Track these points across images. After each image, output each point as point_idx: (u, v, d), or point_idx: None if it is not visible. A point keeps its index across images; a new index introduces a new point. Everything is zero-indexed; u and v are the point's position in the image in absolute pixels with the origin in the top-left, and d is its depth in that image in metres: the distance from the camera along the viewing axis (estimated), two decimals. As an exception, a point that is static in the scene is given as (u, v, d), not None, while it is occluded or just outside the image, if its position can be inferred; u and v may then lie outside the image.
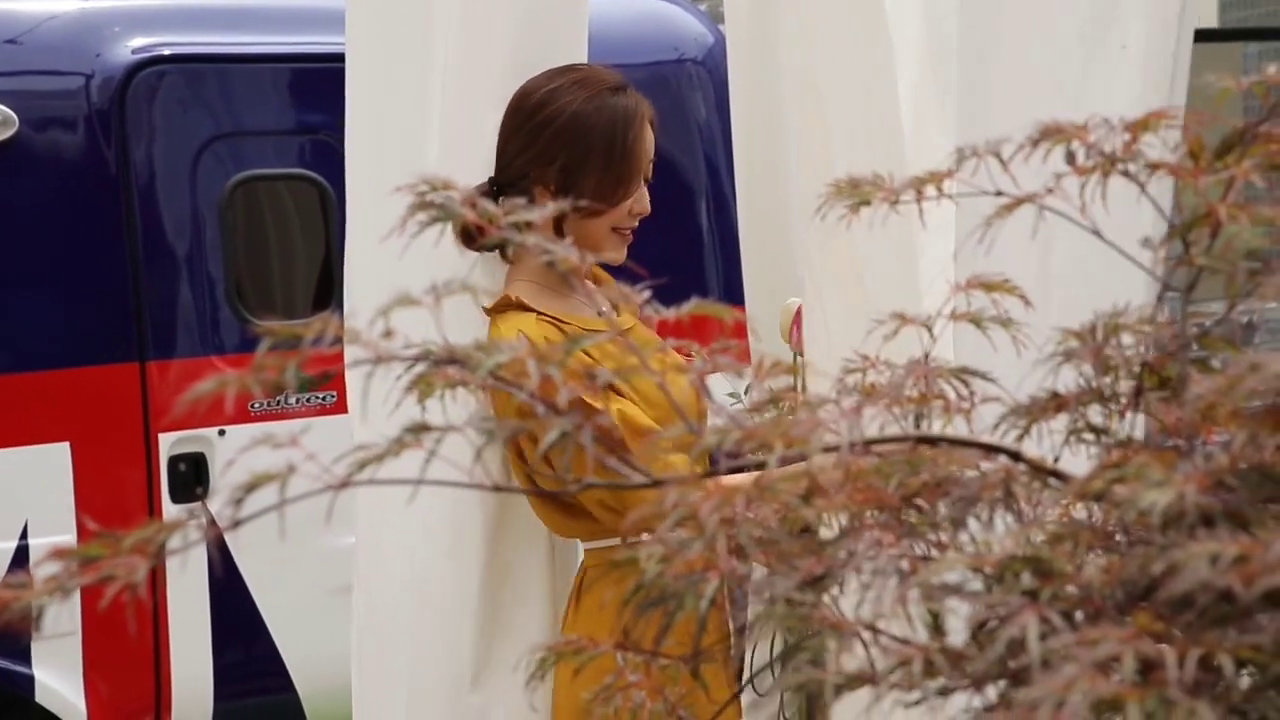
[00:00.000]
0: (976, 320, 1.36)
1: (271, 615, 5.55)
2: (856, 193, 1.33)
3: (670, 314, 1.24)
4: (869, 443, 1.12)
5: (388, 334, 1.10)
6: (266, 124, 5.69)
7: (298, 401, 5.56)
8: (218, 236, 5.48)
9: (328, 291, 5.67)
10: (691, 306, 1.28)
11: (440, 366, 1.10)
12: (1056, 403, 1.26)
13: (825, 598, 1.12)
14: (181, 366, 5.44)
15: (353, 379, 3.42)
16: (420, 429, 1.12)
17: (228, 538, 5.23)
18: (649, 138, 2.94)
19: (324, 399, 5.59)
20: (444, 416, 1.22)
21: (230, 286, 5.50)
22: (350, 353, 1.20)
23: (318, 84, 5.70)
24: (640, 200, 2.92)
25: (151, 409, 5.37)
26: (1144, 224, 1.27)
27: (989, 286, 1.37)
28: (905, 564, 1.11)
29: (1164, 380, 1.27)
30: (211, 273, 5.47)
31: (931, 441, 1.13)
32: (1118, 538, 1.15)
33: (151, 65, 5.40)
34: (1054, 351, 1.26)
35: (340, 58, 5.57)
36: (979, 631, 1.07)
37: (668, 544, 1.28)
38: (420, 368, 1.19)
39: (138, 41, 5.43)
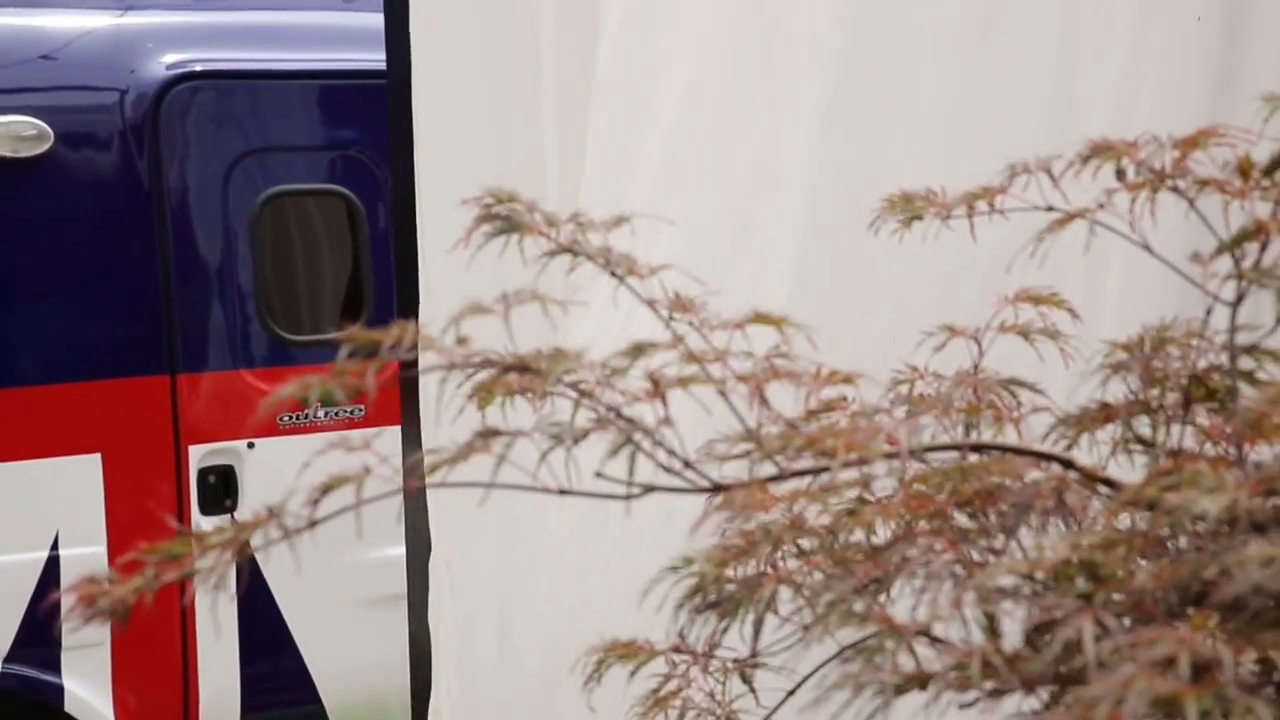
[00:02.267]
0: (1025, 332, 1.39)
1: (298, 627, 5.58)
2: (909, 207, 1.35)
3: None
4: (928, 450, 1.15)
5: (461, 341, 1.13)
6: (297, 140, 5.73)
7: (326, 415, 5.60)
8: (249, 251, 5.52)
9: (358, 306, 5.71)
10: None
11: (508, 373, 1.13)
12: (1105, 413, 1.28)
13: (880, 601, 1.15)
14: (212, 380, 5.48)
15: (426, 385, 3.45)
16: (490, 433, 1.15)
17: (255, 552, 5.21)
18: None
19: (352, 413, 5.63)
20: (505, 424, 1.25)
21: (261, 301, 5.53)
22: (425, 359, 1.23)
23: (348, 100, 5.75)
24: None
25: (182, 421, 5.40)
26: (1191, 240, 1.30)
27: (1037, 300, 1.40)
28: (960, 568, 1.13)
29: (1211, 392, 1.30)
30: (242, 287, 5.51)
31: (987, 449, 1.16)
32: (1167, 544, 1.18)
33: (185, 81, 5.44)
34: (1101, 364, 1.29)
35: (370, 74, 5.66)
36: (1033, 634, 1.10)
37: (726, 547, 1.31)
38: (485, 374, 1.22)
39: (171, 57, 5.47)
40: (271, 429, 5.51)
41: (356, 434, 5.72)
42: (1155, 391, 1.31)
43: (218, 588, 1.02)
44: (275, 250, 5.66)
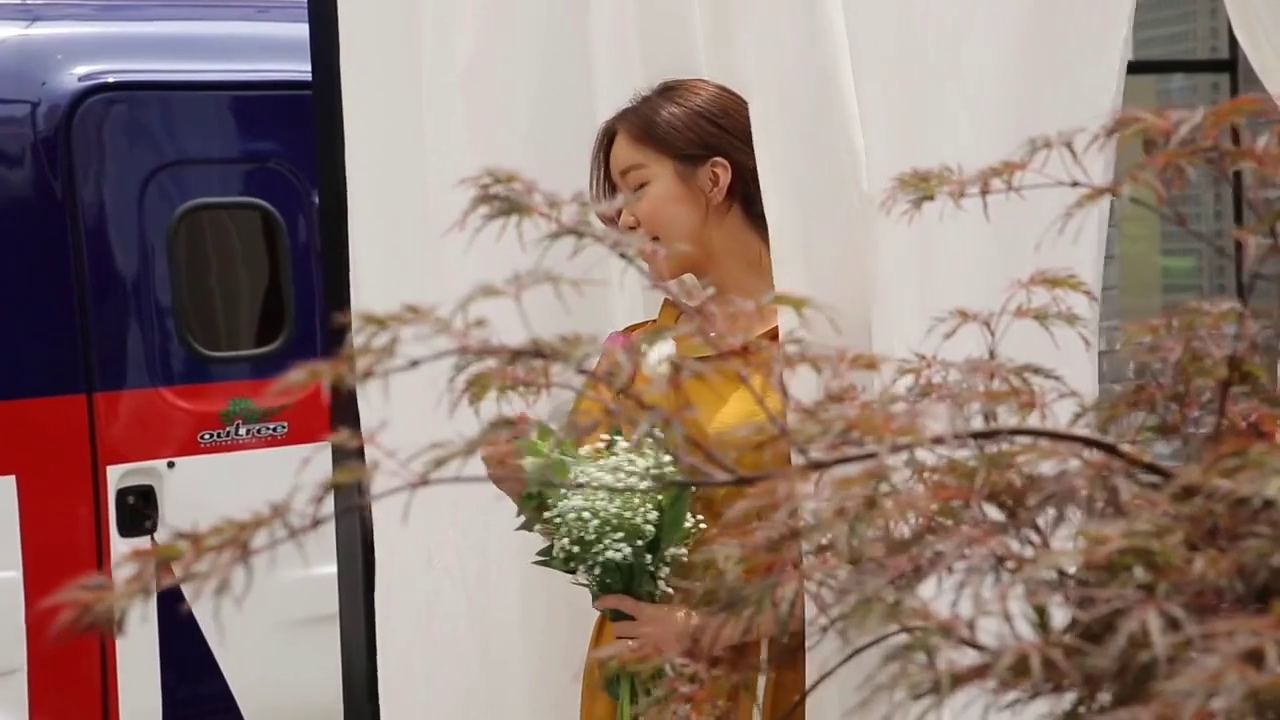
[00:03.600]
0: (1041, 316, 1.33)
1: (221, 650, 5.47)
2: (923, 186, 1.29)
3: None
4: (975, 435, 1.08)
5: (478, 324, 1.05)
6: (215, 152, 5.64)
7: (248, 433, 5.49)
8: (166, 266, 5.41)
9: (279, 321, 5.61)
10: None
11: (519, 360, 1.06)
12: (1138, 398, 1.22)
13: (919, 597, 1.09)
14: (130, 398, 5.36)
15: (434, 372, 3.37)
16: (502, 424, 1.07)
17: (175, 569, 5.13)
18: (615, 153, 2.91)
19: (275, 430, 5.53)
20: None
21: (179, 317, 5.43)
22: (438, 344, 1.15)
23: (266, 112, 5.65)
24: (622, 218, 2.88)
25: (99, 441, 5.29)
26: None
27: (1054, 282, 1.34)
28: (1003, 561, 1.07)
29: (1244, 375, 1.24)
30: (160, 303, 5.40)
31: (1036, 435, 1.09)
32: (1215, 531, 1.12)
33: (98, 93, 5.33)
34: (1133, 345, 1.23)
35: (288, 85, 5.58)
36: (1089, 628, 1.03)
37: (745, 544, 1.24)
38: (483, 364, 1.15)
39: (83, 69, 5.36)
40: (192, 448, 5.41)
41: (280, 452, 5.65)
42: (1185, 374, 1.25)
43: (220, 592, 0.94)
44: (193, 265, 5.56)
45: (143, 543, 5.32)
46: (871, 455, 1.05)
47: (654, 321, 2.98)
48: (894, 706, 0.98)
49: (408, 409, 3.48)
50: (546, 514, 2.62)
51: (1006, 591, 1.05)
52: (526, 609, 3.15)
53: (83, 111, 5.29)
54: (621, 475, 2.53)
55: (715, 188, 2.82)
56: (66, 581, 4.83)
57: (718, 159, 2.82)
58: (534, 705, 3.20)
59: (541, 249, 1.19)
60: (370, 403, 3.44)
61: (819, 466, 1.06)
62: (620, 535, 2.55)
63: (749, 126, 2.79)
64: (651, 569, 2.63)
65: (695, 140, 2.84)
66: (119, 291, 5.34)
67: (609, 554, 2.56)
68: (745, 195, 2.80)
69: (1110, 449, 1.11)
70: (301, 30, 5.71)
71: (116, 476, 5.30)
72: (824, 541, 1.23)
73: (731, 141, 2.81)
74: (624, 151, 2.88)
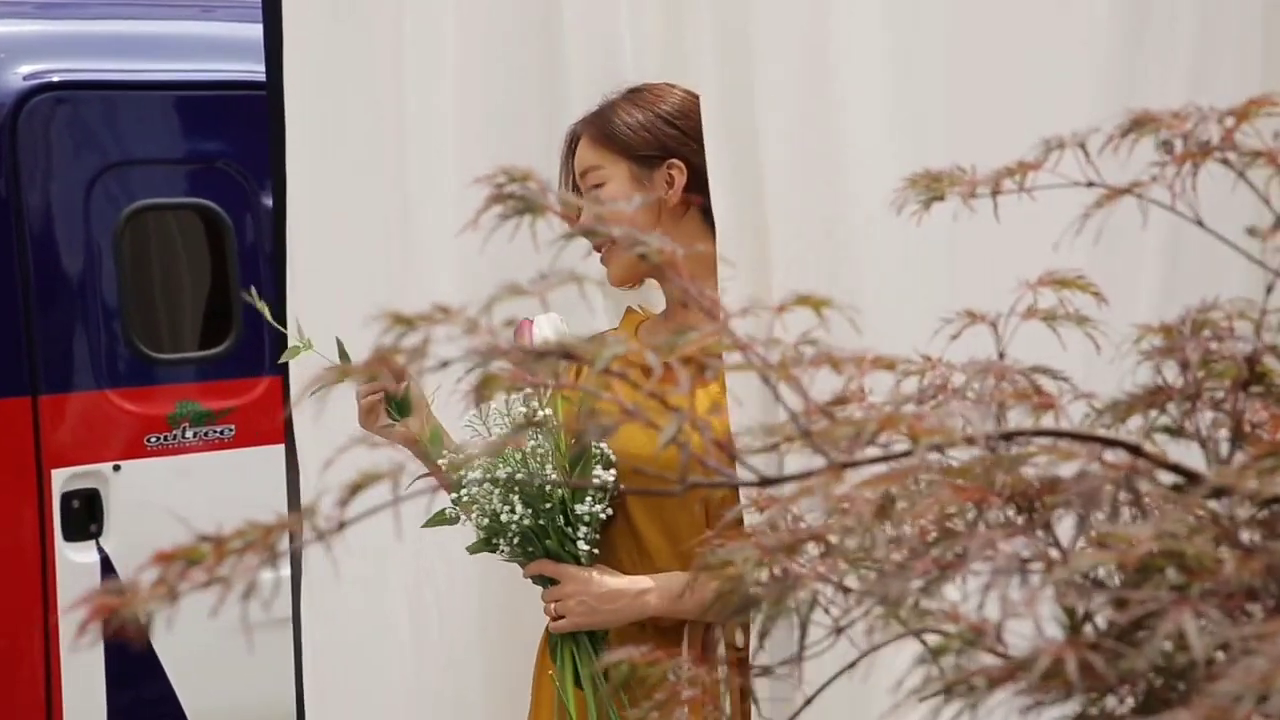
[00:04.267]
0: (1050, 317, 1.32)
1: (168, 656, 5.42)
2: (934, 187, 1.28)
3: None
4: (1005, 435, 1.08)
5: (509, 324, 1.04)
6: (162, 152, 5.59)
7: (195, 436, 5.45)
8: (112, 267, 5.36)
9: (227, 322, 5.56)
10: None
11: (544, 360, 1.04)
12: (1152, 399, 1.22)
13: (946, 599, 1.08)
14: (75, 400, 5.31)
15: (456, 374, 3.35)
16: (531, 424, 1.06)
17: (123, 578, 5.13)
18: (577, 155, 2.91)
19: (222, 432, 5.48)
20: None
21: (125, 319, 5.37)
22: (467, 344, 1.13)
23: (213, 112, 5.61)
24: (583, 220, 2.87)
25: (44, 444, 5.23)
26: (1239, 215, 1.24)
27: (1063, 283, 1.33)
28: (1030, 562, 1.06)
29: (1259, 376, 1.23)
30: (106, 304, 5.34)
31: (1060, 436, 1.09)
32: (1239, 532, 1.12)
33: (43, 92, 5.27)
34: (1150, 347, 1.22)
35: (237, 85, 5.54)
36: (1121, 631, 1.03)
37: (762, 545, 1.23)
38: (497, 366, 1.13)
39: (27, 68, 5.30)
40: (138, 451, 5.36)
41: (227, 455, 5.60)
42: (1198, 375, 1.24)
43: (247, 597, 0.92)
44: (140, 266, 5.51)
45: (88, 548, 5.27)
46: (904, 455, 1.04)
47: (614, 330, 2.99)
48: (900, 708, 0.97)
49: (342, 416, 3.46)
50: (453, 495, 2.63)
51: (1036, 593, 1.04)
52: (482, 605, 3.14)
53: (28, 111, 5.24)
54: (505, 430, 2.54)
55: (670, 190, 2.81)
56: (9, 586, 4.84)
57: (673, 161, 2.81)
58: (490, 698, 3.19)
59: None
60: (303, 415, 3.46)
61: (850, 465, 1.05)
62: (521, 500, 2.56)
63: None
64: (568, 530, 2.64)
65: (651, 142, 2.83)
66: (64, 293, 5.28)
67: (506, 518, 2.57)
68: (704, 197, 2.79)
69: (1135, 450, 1.10)
70: (249, 30, 5.68)
71: (61, 480, 5.25)
72: (833, 542, 1.22)
73: (689, 144, 2.79)
74: (584, 154, 2.89)
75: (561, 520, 2.62)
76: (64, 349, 5.29)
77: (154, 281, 5.63)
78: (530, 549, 2.66)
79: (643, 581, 2.71)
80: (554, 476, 2.54)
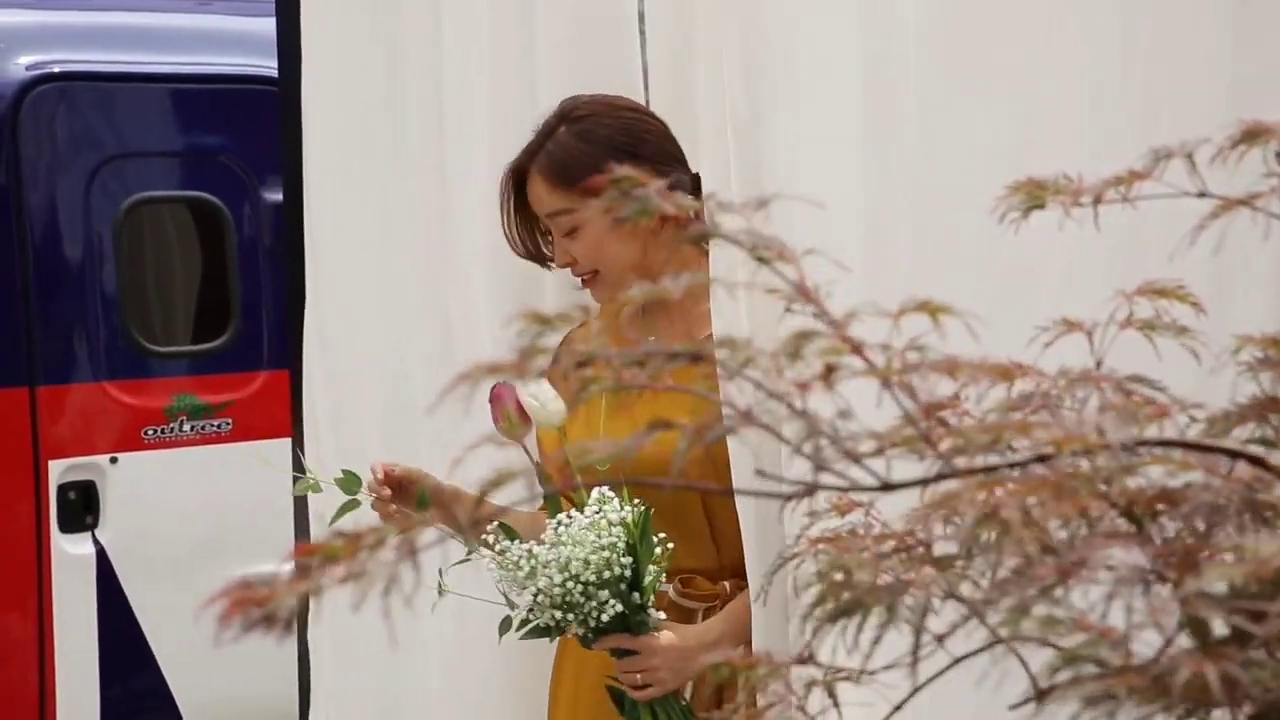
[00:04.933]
0: (1149, 327, 1.33)
1: (161, 649, 5.41)
2: (1036, 195, 1.29)
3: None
4: (1139, 444, 1.08)
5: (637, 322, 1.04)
6: (163, 145, 5.58)
7: (192, 430, 5.44)
8: (112, 259, 5.35)
9: (225, 316, 5.55)
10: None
11: (674, 361, 1.05)
12: (1259, 410, 1.23)
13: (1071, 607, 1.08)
14: (73, 392, 5.30)
15: (311, 392, 3.36)
16: (661, 424, 1.06)
17: (118, 570, 5.11)
18: (533, 194, 2.89)
19: (219, 426, 5.47)
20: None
21: (124, 310, 5.36)
22: (598, 343, 1.12)
23: (215, 105, 5.60)
24: (557, 255, 2.89)
25: (41, 436, 5.22)
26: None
27: (1161, 293, 1.34)
28: (1158, 573, 1.07)
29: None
30: (106, 296, 5.33)
31: (1195, 448, 1.09)
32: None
33: (45, 83, 5.26)
34: (1248, 359, 1.23)
35: (240, 79, 5.53)
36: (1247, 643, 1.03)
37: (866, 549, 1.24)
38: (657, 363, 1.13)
39: (29, 59, 5.29)
40: (135, 443, 5.35)
41: (224, 449, 5.58)
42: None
43: (388, 593, 0.93)
44: (140, 259, 5.50)
45: (84, 539, 5.26)
46: (1044, 459, 1.04)
47: (589, 322, 3.00)
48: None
49: (358, 412, 3.43)
50: (521, 602, 2.63)
51: (1166, 604, 1.04)
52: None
53: (29, 102, 5.22)
54: (599, 535, 2.56)
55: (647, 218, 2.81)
56: (5, 577, 4.80)
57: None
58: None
59: None
60: (314, 406, 3.44)
61: (988, 470, 1.05)
62: (605, 592, 2.57)
63: (664, 141, 2.82)
64: (640, 603, 2.65)
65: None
66: (64, 284, 5.27)
67: (604, 615, 2.58)
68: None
69: (1258, 462, 1.11)
70: (252, 24, 5.67)
71: (58, 472, 5.24)
72: (948, 549, 1.22)
73: (651, 165, 2.74)
74: (545, 196, 2.85)
75: (636, 597, 2.63)
76: (63, 340, 5.28)
77: (153, 274, 5.62)
78: (603, 628, 2.65)
79: (713, 629, 2.73)
80: (628, 561, 2.57)
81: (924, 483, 1.08)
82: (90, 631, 5.29)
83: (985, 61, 2.35)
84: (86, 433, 5.31)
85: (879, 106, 2.47)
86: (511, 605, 2.66)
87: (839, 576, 1.20)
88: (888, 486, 1.11)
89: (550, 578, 2.55)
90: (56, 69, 5.30)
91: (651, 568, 2.62)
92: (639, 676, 2.70)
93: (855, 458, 1.08)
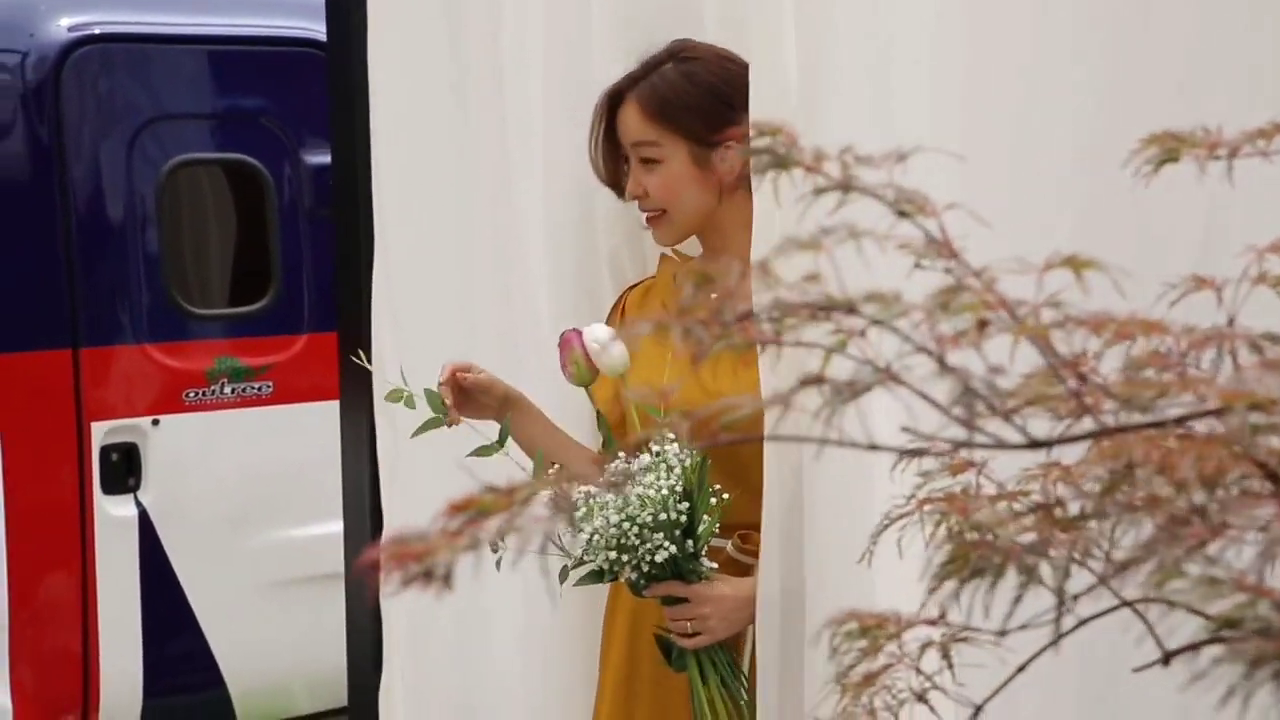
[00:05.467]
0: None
1: (203, 610, 5.42)
2: (1170, 149, 1.27)
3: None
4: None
5: (811, 278, 1.02)
6: (205, 107, 5.57)
7: (233, 392, 5.43)
8: (154, 221, 5.34)
9: (265, 279, 5.55)
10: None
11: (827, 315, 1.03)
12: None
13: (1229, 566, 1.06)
14: (115, 354, 5.30)
15: (381, 355, 3.37)
16: (815, 380, 1.04)
17: (160, 532, 5.09)
18: (623, 120, 2.88)
19: (260, 389, 5.47)
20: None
21: (167, 272, 5.35)
22: (757, 299, 1.10)
23: (257, 67, 5.59)
24: (630, 185, 2.87)
25: (84, 397, 5.22)
26: None
27: (1290, 250, 1.32)
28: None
29: None
30: (147, 258, 5.32)
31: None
32: None
33: (87, 44, 5.25)
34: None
35: (281, 40, 5.52)
36: None
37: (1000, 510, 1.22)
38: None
39: (71, 20, 5.28)
40: (176, 405, 5.35)
41: (265, 411, 5.57)
42: None
43: (543, 550, 0.91)
44: (181, 221, 5.50)
45: (126, 501, 5.26)
46: (1213, 413, 1.02)
47: (652, 279, 3.00)
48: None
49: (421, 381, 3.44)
50: (579, 536, 2.62)
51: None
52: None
53: (72, 63, 5.21)
54: (658, 476, 2.56)
55: (729, 170, 2.80)
56: (49, 539, 4.80)
57: (731, 141, 2.79)
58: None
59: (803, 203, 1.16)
60: (385, 371, 3.44)
61: (1152, 426, 1.03)
62: (660, 535, 2.57)
63: None
64: (693, 551, 2.64)
65: (709, 124, 2.81)
66: (106, 246, 5.26)
67: (658, 556, 2.58)
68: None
69: None
70: (296, -15, 5.65)
71: (101, 433, 5.24)
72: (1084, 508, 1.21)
73: (743, 118, 2.76)
74: (635, 124, 2.85)
75: (689, 544, 2.62)
76: (105, 303, 5.28)
77: (195, 237, 5.61)
78: (655, 573, 2.63)
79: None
80: (684, 506, 2.57)
81: (1081, 438, 1.06)
82: (133, 593, 5.30)
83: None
84: (128, 395, 5.31)
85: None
86: (568, 554, 2.64)
87: (973, 536, 1.19)
88: (1036, 444, 1.09)
89: (607, 518, 2.54)
90: (98, 30, 5.29)
91: (706, 518, 2.61)
92: (689, 624, 2.69)
93: (1006, 415, 1.06)
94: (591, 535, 2.56)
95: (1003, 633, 1.22)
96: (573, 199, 3.13)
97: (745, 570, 2.74)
